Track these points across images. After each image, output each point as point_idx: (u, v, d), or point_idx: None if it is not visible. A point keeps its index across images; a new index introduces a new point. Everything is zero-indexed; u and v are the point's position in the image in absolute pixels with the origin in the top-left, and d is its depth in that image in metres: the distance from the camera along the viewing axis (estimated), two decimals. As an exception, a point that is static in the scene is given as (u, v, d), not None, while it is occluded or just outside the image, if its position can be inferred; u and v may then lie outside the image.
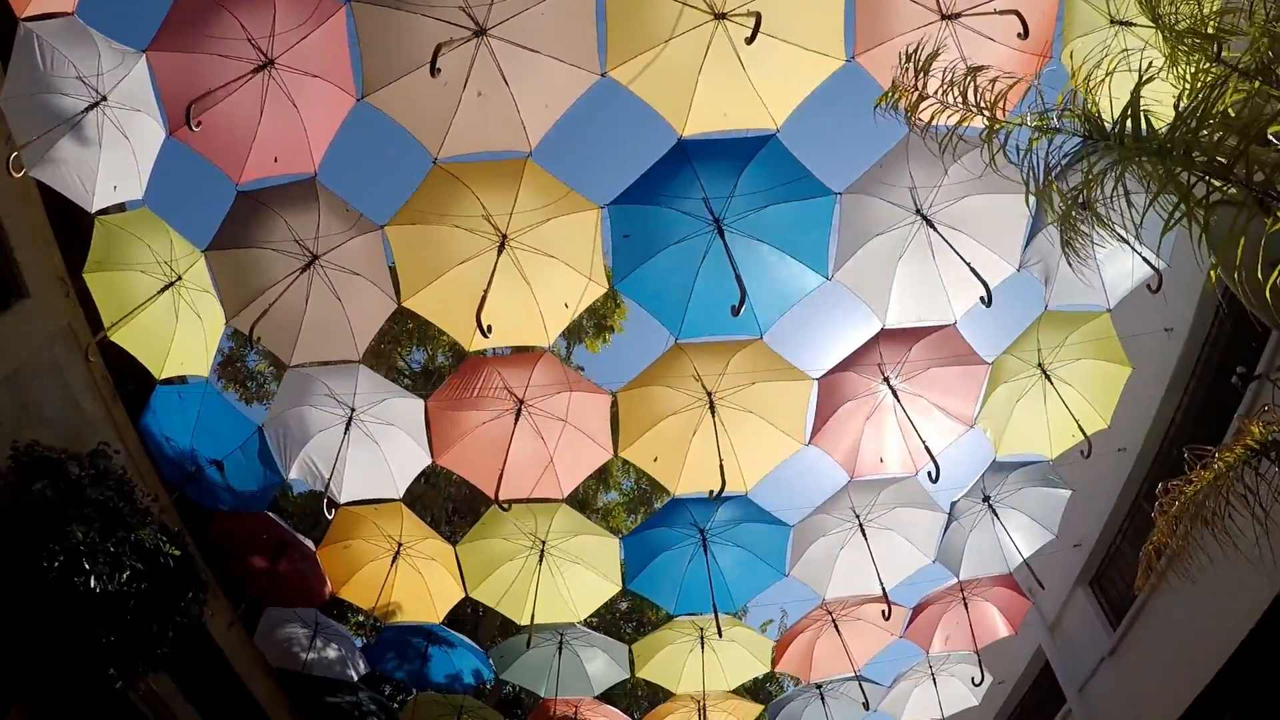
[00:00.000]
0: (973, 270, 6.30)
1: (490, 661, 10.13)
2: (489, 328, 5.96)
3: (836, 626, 9.79)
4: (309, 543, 9.14)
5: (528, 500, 8.20)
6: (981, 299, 6.31)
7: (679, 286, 6.93)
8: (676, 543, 8.72)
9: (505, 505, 7.62)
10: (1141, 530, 11.05)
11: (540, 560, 8.73)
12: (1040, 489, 9.30)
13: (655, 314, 7.04)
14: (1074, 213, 3.67)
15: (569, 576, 8.91)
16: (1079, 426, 7.97)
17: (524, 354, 7.42)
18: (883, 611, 8.45)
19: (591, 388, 7.60)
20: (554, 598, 9.00)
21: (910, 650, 10.94)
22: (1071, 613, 11.85)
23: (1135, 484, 10.55)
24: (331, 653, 10.79)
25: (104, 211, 6.95)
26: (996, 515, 9.22)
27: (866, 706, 9.33)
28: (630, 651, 9.99)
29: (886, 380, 8.01)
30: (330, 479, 8.02)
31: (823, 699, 11.03)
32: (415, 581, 9.26)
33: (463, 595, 9.03)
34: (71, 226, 7.29)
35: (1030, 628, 12.00)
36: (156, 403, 8.02)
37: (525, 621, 8.98)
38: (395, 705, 11.20)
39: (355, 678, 10.89)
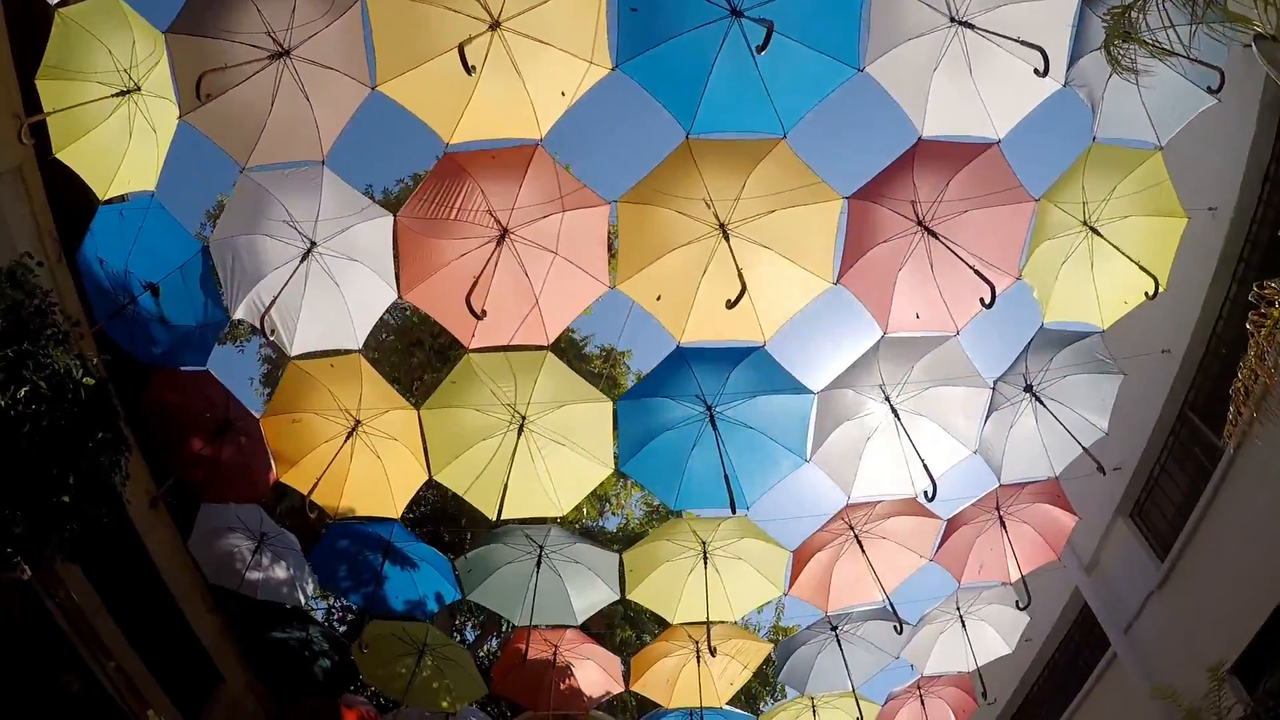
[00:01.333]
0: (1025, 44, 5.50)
1: (455, 579, 8.47)
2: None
3: (860, 543, 8.46)
4: (255, 413, 7.69)
5: (506, 348, 7.00)
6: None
7: (693, 74, 5.93)
8: (679, 422, 7.36)
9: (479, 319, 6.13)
10: (1189, 447, 10.01)
11: (519, 436, 7.30)
12: (1089, 376, 8.21)
13: (665, 103, 6.02)
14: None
15: (550, 459, 7.43)
16: (1152, 274, 6.68)
17: (512, 151, 6.34)
18: (925, 492, 7.05)
19: (588, 199, 6.45)
20: (532, 487, 7.49)
21: (940, 582, 9.47)
22: (1111, 549, 10.48)
23: (1180, 394, 9.49)
24: (279, 571, 9.20)
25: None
26: (1042, 403, 7.86)
27: (900, 630, 7.87)
28: (622, 566, 8.44)
29: (921, 222, 7.04)
30: (267, 322, 6.71)
31: (839, 643, 9.57)
32: (371, 468, 7.71)
33: (425, 478, 7.52)
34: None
35: (1062, 575, 10.68)
36: (97, 225, 6.75)
37: (495, 515, 7.42)
38: (345, 635, 9.58)
39: (303, 601, 9.34)
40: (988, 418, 7.90)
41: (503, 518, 7.48)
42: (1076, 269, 7.65)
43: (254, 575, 9.10)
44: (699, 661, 9.08)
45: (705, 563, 8.05)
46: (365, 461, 7.78)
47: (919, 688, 10.72)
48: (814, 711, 10.33)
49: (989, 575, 9.26)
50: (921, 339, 7.22)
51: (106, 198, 6.79)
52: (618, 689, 9.47)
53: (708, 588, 8.05)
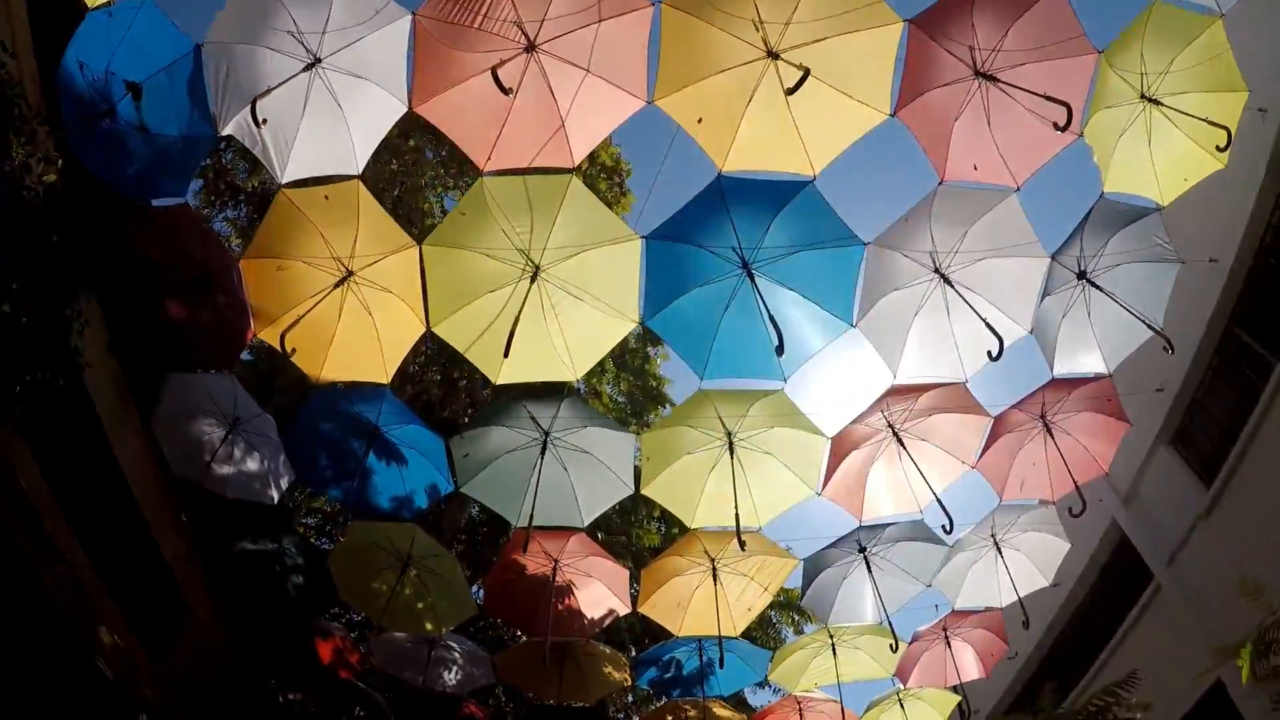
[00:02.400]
0: None
1: (449, 466, 7.34)
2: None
3: (900, 440, 7.61)
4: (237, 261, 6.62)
5: (525, 171, 6.18)
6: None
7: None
8: (712, 275, 6.53)
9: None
10: (1237, 364, 9.32)
11: (531, 285, 6.33)
12: (1145, 266, 7.55)
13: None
14: None
15: (565, 316, 6.41)
16: (1222, 125, 6.10)
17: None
18: (991, 353, 6.27)
19: (628, 3, 5.75)
20: (541, 347, 6.47)
21: (979, 496, 8.54)
22: (1151, 478, 9.65)
23: (1226, 308, 8.88)
24: (252, 464, 8.10)
25: None
26: (1098, 288, 7.06)
27: (950, 529, 6.94)
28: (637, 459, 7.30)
29: (979, 70, 6.35)
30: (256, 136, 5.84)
31: (868, 565, 8.63)
32: (361, 328, 6.66)
33: (421, 331, 6.48)
34: None
35: (1097, 510, 9.86)
36: (82, 31, 5.83)
37: (498, 377, 6.53)
38: (325, 544, 8.45)
39: (276, 497, 8.24)
40: (1042, 298, 7.22)
41: (506, 382, 6.63)
42: (1135, 142, 7.06)
43: (223, 470, 7.99)
44: (716, 582, 8.09)
45: (731, 453, 7.16)
46: (355, 320, 6.77)
47: (945, 629, 9.81)
48: (834, 651, 9.39)
49: (1031, 492, 8.41)
50: (978, 194, 6.54)
51: (96, 3, 6.00)
52: (624, 610, 8.40)
53: (735, 489, 7.02)
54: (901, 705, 10.58)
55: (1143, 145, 7.07)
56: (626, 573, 8.21)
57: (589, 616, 8.40)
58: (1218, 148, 6.57)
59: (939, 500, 7.08)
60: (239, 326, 7.00)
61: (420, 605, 8.56)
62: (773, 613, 13.23)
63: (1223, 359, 8.67)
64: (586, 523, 7.55)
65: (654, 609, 8.35)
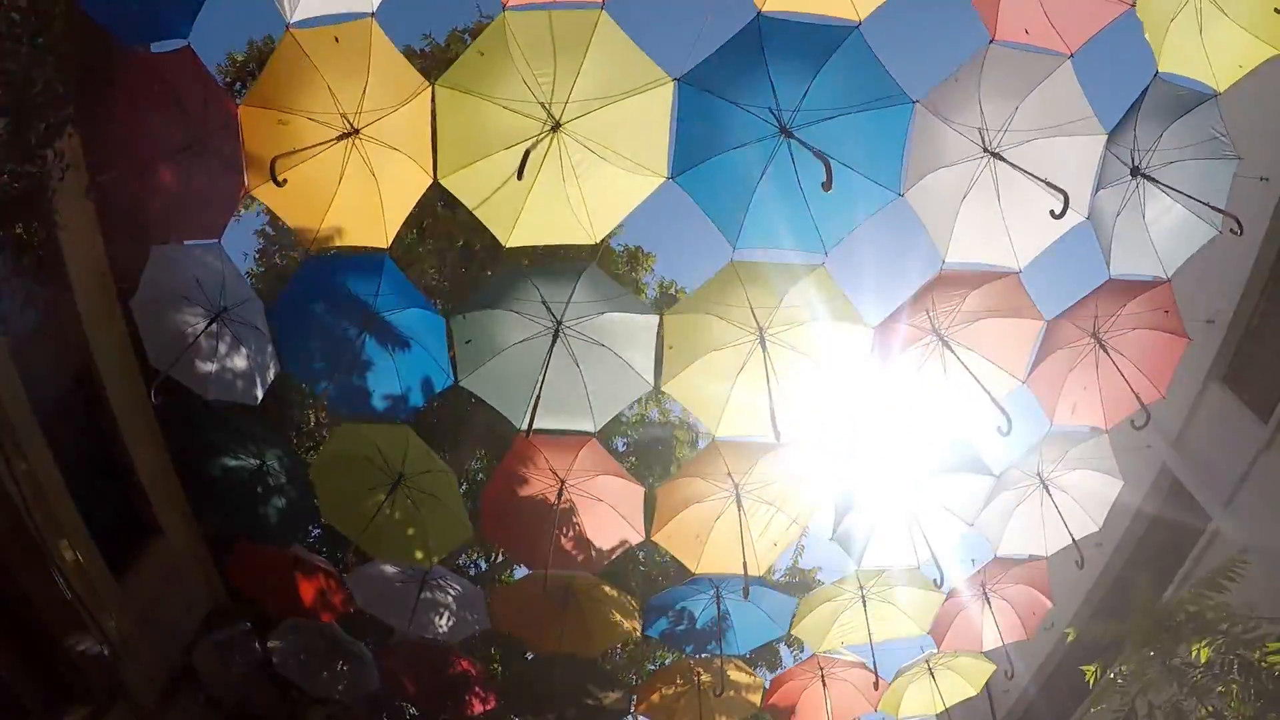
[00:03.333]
0: None
1: (450, 358, 6.49)
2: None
3: (947, 344, 6.82)
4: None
5: (551, 6, 5.56)
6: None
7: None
8: (748, 137, 5.87)
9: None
10: None
11: (551, 141, 5.66)
12: (1200, 162, 6.95)
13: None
14: None
15: (587, 177, 5.69)
16: None
17: None
18: (1056, 208, 5.39)
19: None
20: (558, 209, 5.73)
21: (1027, 420, 7.35)
22: (1202, 418, 8.78)
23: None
24: (237, 360, 7.29)
25: None
26: (1157, 182, 6.26)
27: (1008, 429, 6.01)
28: (660, 346, 6.22)
29: None
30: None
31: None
32: (364, 191, 5.95)
33: (428, 183, 5.75)
34: None
35: (1145, 456, 9.01)
36: None
37: (509, 239, 5.80)
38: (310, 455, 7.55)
39: (259, 397, 7.38)
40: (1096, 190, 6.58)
41: (518, 244, 5.92)
42: (1186, 24, 6.63)
43: (206, 366, 7.21)
44: (740, 511, 7.18)
45: (764, 348, 6.38)
46: (357, 182, 6.05)
47: (983, 585, 8.83)
48: (864, 603, 8.39)
49: (1082, 417, 7.60)
50: (1030, 59, 5.99)
51: None
52: (636, 538, 7.43)
53: (770, 388, 6.14)
54: (931, 674, 9.53)
55: (1194, 30, 6.61)
56: (640, 492, 7.17)
57: (597, 546, 7.44)
58: (1276, 10, 6.04)
59: (994, 400, 6.12)
60: (231, 189, 6.36)
61: (410, 531, 7.62)
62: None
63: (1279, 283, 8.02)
64: (599, 426, 6.65)
65: (669, 540, 7.37)
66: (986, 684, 10.67)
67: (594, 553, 7.38)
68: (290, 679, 9.24)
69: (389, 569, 8.12)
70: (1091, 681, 4.97)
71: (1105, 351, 7.14)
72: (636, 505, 7.16)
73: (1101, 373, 7.36)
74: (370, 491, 7.42)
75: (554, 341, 6.35)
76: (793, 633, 8.34)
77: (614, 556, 7.53)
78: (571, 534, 7.32)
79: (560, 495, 7.07)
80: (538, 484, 7.14)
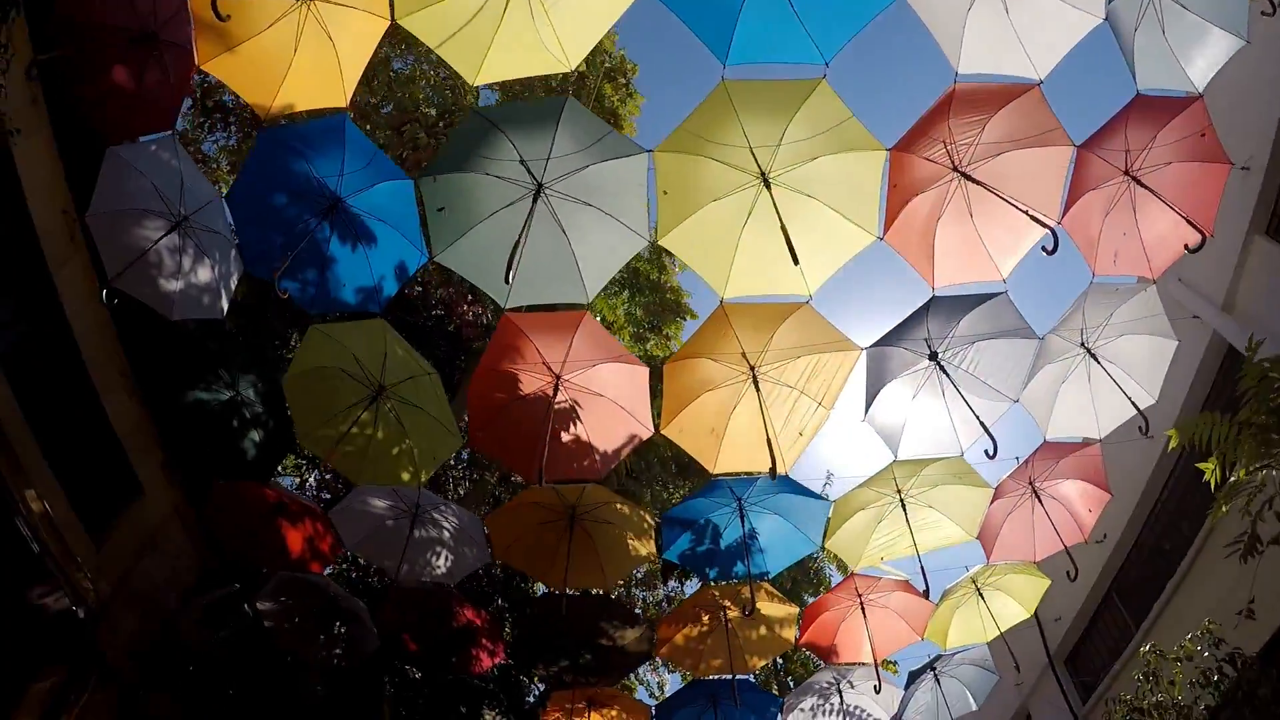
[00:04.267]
0: None
1: (423, 235, 5.70)
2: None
3: (970, 178, 5.97)
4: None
5: None
6: None
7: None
8: None
9: None
10: None
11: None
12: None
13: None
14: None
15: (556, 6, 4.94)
16: None
17: None
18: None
19: None
20: (527, 40, 4.99)
21: (1066, 271, 6.88)
22: (1249, 276, 7.70)
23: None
24: (203, 273, 6.57)
25: None
26: None
27: (1053, 247, 5.18)
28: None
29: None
30: None
31: (942, 373, 6.74)
32: (320, 50, 5.28)
33: (386, 25, 5.07)
34: None
35: (1193, 329, 8.02)
36: None
37: (476, 77, 5.11)
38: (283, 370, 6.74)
39: (225, 308, 6.65)
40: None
41: (487, 81, 5.25)
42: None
43: (170, 285, 6.54)
44: (761, 401, 6.28)
45: (768, 189, 5.62)
46: (313, 48, 5.50)
47: (1030, 481, 7.80)
48: (904, 508, 7.39)
49: (1125, 267, 6.75)
50: None
51: None
52: (645, 433, 6.51)
53: (787, 237, 5.27)
54: (981, 595, 8.39)
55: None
56: (645, 375, 6.19)
57: (601, 450, 6.59)
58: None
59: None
60: (183, 71, 5.79)
61: (396, 450, 6.81)
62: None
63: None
64: (591, 296, 5.84)
65: (681, 434, 6.43)
66: (1036, 614, 9.56)
67: (598, 456, 6.51)
68: (283, 646, 8.32)
69: (378, 504, 7.25)
70: (1213, 483, 4.01)
71: (1143, 185, 6.38)
72: (642, 393, 6.26)
73: (1141, 215, 6.56)
74: (349, 410, 6.66)
75: (534, 204, 5.66)
76: (826, 546, 7.36)
77: (622, 457, 6.65)
78: (571, 436, 6.48)
79: (556, 391, 6.28)
80: (530, 381, 6.33)
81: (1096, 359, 6.95)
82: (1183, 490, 8.56)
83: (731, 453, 6.46)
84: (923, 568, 6.88)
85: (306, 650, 8.35)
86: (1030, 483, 7.65)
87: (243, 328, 7.58)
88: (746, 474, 6.81)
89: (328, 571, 8.11)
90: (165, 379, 6.99)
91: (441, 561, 7.49)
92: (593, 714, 8.54)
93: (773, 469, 5.65)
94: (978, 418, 6.24)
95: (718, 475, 6.60)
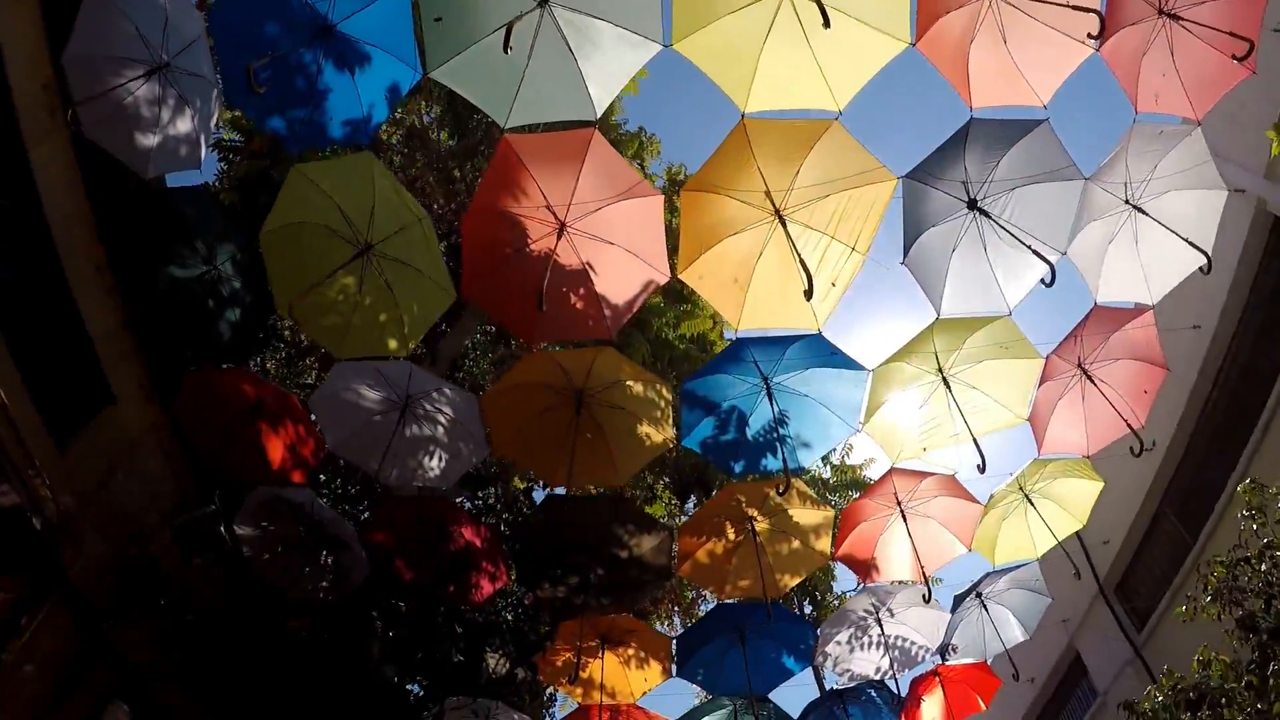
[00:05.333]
0: None
1: (415, 48, 5.00)
2: None
3: (1001, 19, 5.40)
4: None
5: None
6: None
7: None
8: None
9: None
10: None
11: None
12: None
13: None
14: None
15: None
16: None
17: None
18: None
19: None
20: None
21: (1104, 105, 6.96)
22: None
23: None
24: (182, 124, 5.74)
25: None
26: None
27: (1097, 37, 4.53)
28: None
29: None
30: None
31: (985, 214, 5.98)
32: None
33: None
34: None
35: (1236, 203, 7.34)
36: None
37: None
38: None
39: (202, 157, 5.86)
40: None
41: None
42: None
43: (147, 140, 5.77)
44: (789, 239, 5.51)
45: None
46: None
47: (1080, 364, 6.95)
48: (948, 387, 6.50)
49: (1167, 105, 6.13)
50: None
51: None
52: (661, 278, 5.62)
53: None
54: (1030, 503, 7.40)
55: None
56: (659, 206, 5.33)
57: (612, 303, 5.75)
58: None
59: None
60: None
61: (383, 318, 5.95)
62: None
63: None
64: (600, 111, 5.10)
65: (701, 281, 5.55)
66: (1082, 539, 8.56)
67: (608, 313, 5.68)
68: (264, 578, 7.22)
69: (365, 394, 6.35)
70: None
71: (1180, 21, 5.87)
72: (656, 230, 5.35)
73: (1179, 54, 6.01)
74: (333, 277, 5.85)
75: (540, 16, 5.04)
76: (865, 431, 6.47)
77: (636, 309, 5.80)
78: (578, 294, 5.67)
79: (560, 235, 5.50)
80: (533, 228, 5.55)
81: (1144, 213, 6.28)
82: (1236, 380, 7.75)
83: (757, 307, 5.63)
84: (977, 443, 5.97)
85: (289, 583, 7.26)
86: (1080, 365, 6.84)
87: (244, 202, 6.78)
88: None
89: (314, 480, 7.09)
90: (136, 254, 6.18)
91: (435, 462, 6.49)
92: (607, 653, 7.40)
93: (809, 288, 4.85)
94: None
95: (740, 333, 5.76)
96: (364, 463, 6.50)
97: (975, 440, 5.97)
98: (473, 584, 6.99)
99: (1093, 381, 6.76)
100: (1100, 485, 7.30)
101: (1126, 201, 6.37)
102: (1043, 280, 5.64)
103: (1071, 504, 7.40)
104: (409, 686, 7.63)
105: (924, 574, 6.66)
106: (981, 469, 5.76)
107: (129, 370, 6.58)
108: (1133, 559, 8.84)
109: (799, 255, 5.18)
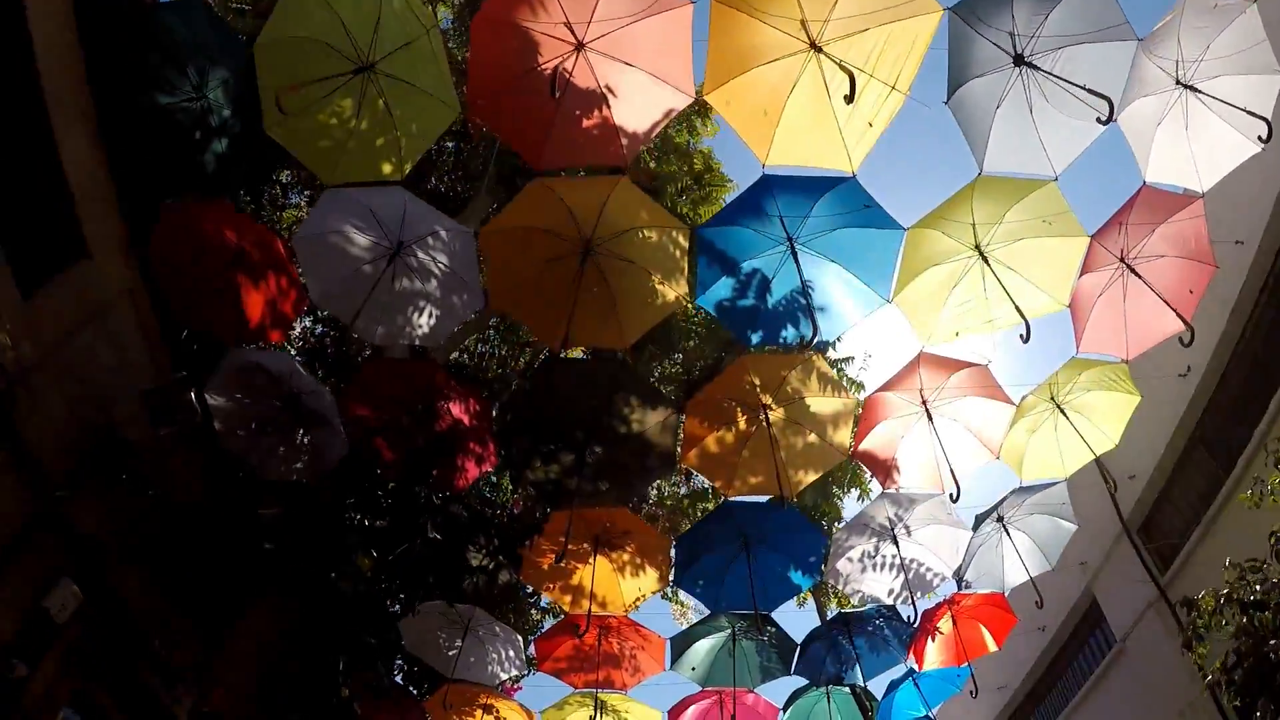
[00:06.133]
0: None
1: None
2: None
3: None
4: None
5: None
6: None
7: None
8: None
9: None
10: None
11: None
12: None
13: None
14: None
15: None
16: None
17: None
18: None
19: None
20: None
21: None
22: None
23: None
24: None
25: None
26: None
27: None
28: None
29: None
30: None
31: (1034, 68, 5.44)
32: None
33: None
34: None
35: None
36: None
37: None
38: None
39: None
40: None
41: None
42: None
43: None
44: (820, 70, 4.93)
45: None
46: None
47: (1123, 257, 6.33)
48: (985, 262, 5.88)
49: None
50: None
51: None
52: (682, 101, 4.80)
53: None
54: (1063, 414, 6.77)
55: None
56: (688, 15, 4.60)
57: (629, 131, 5.13)
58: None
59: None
60: None
61: (380, 142, 5.33)
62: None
63: None
64: None
65: (728, 106, 4.88)
66: (1105, 474, 7.90)
67: (624, 139, 5.06)
68: (236, 456, 6.50)
69: (356, 240, 5.68)
70: None
71: None
72: (683, 45, 4.72)
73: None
74: (329, 99, 5.24)
75: None
76: (895, 303, 5.84)
77: (655, 135, 5.19)
78: (593, 119, 5.07)
79: (576, 59, 4.92)
80: (546, 46, 4.95)
81: (1197, 91, 5.76)
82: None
83: (787, 141, 5.03)
84: (1018, 308, 5.36)
85: (261, 464, 6.54)
86: (1122, 259, 6.25)
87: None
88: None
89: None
90: (121, 80, 5.55)
91: (424, 319, 5.83)
92: (600, 557, 6.65)
93: (850, 89, 4.28)
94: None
95: (767, 169, 5.13)
96: (348, 316, 5.83)
97: (1025, 320, 5.30)
98: (458, 467, 6.28)
99: (1137, 275, 6.18)
100: (1137, 400, 6.64)
101: (1178, 82, 5.86)
102: (1098, 118, 5.06)
103: (1105, 420, 6.75)
104: (384, 584, 6.86)
105: (952, 472, 5.97)
106: (1026, 338, 5.13)
107: (108, 227, 5.92)
108: (1159, 496, 8.17)
109: (844, 67, 4.60)
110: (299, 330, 8.05)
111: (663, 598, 10.64)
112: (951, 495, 5.99)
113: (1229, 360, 7.40)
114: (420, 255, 5.68)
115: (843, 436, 6.23)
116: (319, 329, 7.52)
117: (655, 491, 9.66)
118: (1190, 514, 7.73)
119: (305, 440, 6.50)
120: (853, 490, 9.65)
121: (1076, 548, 7.76)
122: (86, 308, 5.79)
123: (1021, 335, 5.13)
